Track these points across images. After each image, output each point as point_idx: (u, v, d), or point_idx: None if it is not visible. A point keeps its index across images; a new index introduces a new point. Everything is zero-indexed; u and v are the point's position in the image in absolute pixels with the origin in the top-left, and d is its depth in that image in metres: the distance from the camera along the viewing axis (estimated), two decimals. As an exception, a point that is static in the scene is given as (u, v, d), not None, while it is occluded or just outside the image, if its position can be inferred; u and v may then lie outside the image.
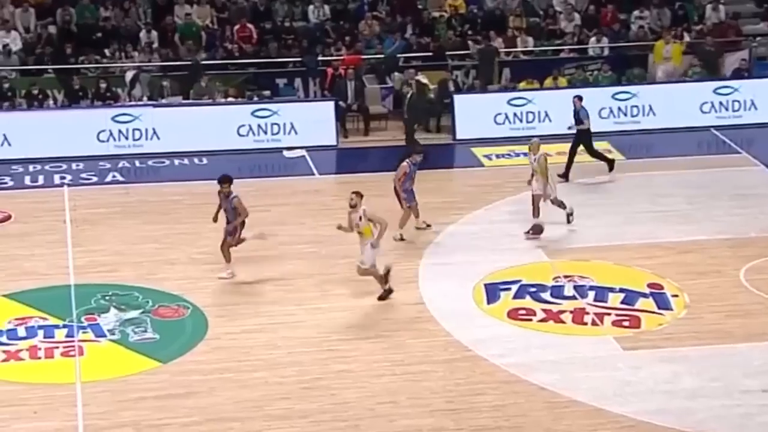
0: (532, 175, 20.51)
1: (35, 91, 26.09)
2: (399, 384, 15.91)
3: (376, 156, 25.22)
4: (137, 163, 24.73)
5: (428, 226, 20.74)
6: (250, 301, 18.37)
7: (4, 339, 16.99)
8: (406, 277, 19.04)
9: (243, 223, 18.81)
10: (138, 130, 25.19)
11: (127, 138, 25.19)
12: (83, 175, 23.96)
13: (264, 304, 18.26)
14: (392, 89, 27.56)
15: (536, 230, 20.39)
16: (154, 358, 16.59)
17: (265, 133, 25.67)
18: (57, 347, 16.86)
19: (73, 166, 24.30)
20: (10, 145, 24.69)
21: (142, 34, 28.01)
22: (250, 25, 28.52)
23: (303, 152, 25.09)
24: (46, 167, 24.25)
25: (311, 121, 25.69)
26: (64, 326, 17.39)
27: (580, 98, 23.63)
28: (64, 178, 23.78)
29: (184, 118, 25.44)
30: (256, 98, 26.80)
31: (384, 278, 18.19)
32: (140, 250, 19.99)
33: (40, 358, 16.63)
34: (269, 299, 18.44)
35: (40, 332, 17.24)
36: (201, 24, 28.64)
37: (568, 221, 20.86)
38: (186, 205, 22.22)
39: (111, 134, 25.10)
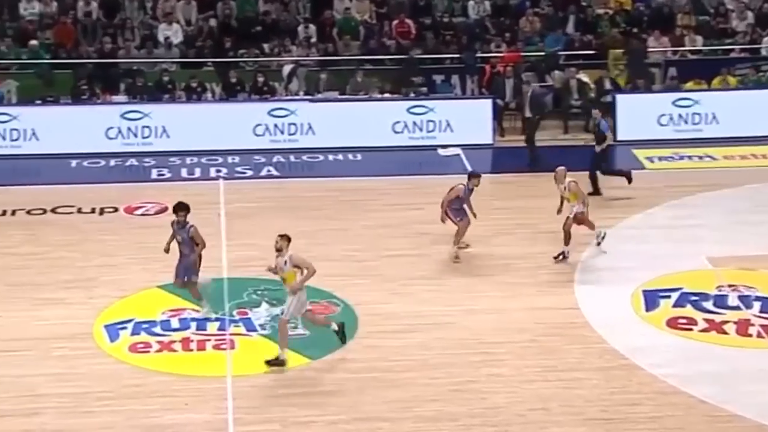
0: (562, 203, 19.71)
1: (194, 84, 26.66)
2: (551, 390, 15.74)
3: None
4: (292, 158, 25.05)
5: (467, 246, 19.92)
6: (401, 301, 18.40)
7: (158, 330, 17.39)
8: (560, 281, 18.84)
9: (201, 255, 17.41)
10: (294, 124, 25.52)
11: (282, 132, 25.54)
12: (238, 169, 24.39)
13: (416, 304, 18.27)
14: (552, 88, 27.33)
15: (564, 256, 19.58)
16: (304, 355, 16.75)
17: (420, 130, 25.72)
18: (209, 340, 17.17)
19: (229, 159, 24.74)
20: (168, 137, 25.28)
21: (301, 28, 28.37)
22: (408, 21, 28.61)
23: (458, 150, 25.06)
24: (203, 160, 24.76)
25: (467, 119, 25.64)
26: (217, 319, 17.70)
27: (600, 109, 23.24)
28: (219, 171, 24.24)
29: (340, 114, 25.68)
30: (412, 95, 26.87)
31: (338, 333, 16.69)
32: (292, 245, 20.19)
33: (192, 350, 16.96)
34: (421, 299, 18.45)
35: (193, 324, 17.58)
36: (359, 18, 28.86)
37: (598, 243, 19.89)
38: (339, 201, 22.41)
39: (267, 128, 25.49)
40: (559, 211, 19.79)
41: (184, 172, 24.25)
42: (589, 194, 21.22)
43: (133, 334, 17.24)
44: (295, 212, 21.85)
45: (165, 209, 21.99)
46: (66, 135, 24.76)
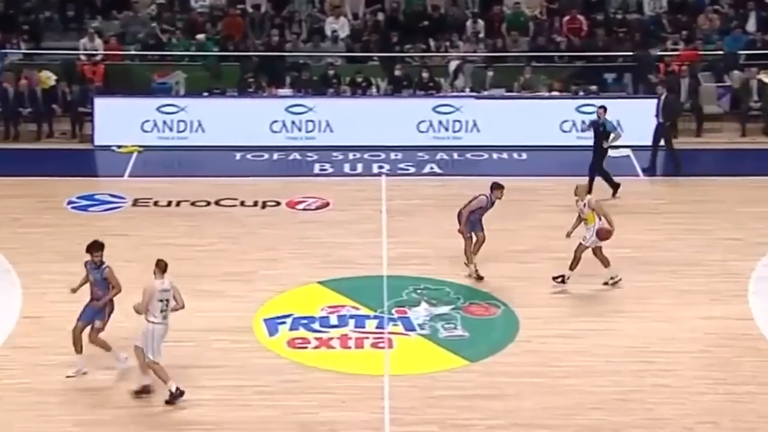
0: (578, 220, 18.53)
1: (359, 79, 26.86)
2: (721, 404, 15.37)
3: (707, 158, 24.49)
4: (455, 156, 25.03)
5: (470, 266, 19.03)
6: (564, 305, 18.22)
7: (316, 326, 17.57)
8: (734, 290, 18.40)
9: (112, 301, 16.17)
10: (458, 121, 25.49)
11: (447, 129, 25.55)
12: (401, 165, 24.48)
13: (579, 309, 18.07)
14: (730, 88, 26.69)
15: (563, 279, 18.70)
16: (463, 356, 16.72)
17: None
18: (367, 338, 17.27)
19: (392, 155, 24.86)
20: (332, 131, 25.54)
21: (469, 23, 28.32)
22: (580, 17, 28.31)
23: (628, 151, 24.67)
24: (365, 155, 24.93)
25: (638, 119, 25.19)
26: (375, 317, 17.79)
27: (604, 109, 22.49)
28: (382, 167, 24.37)
29: (506, 111, 25.55)
30: (581, 93, 26.57)
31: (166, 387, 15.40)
32: (454, 244, 20.15)
33: (350, 347, 17.08)
34: (585, 304, 18.23)
35: (352, 322, 17.71)
36: (529, 14, 28.67)
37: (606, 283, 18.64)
38: (503, 201, 22.19)
39: (431, 125, 25.51)
40: (569, 234, 18.66)
41: (346, 168, 24.46)
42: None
43: (291, 329, 17.46)
44: (455, 212, 21.80)
45: (326, 204, 22.23)
46: (231, 127, 25.22)
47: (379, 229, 20.80)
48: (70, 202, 22.01)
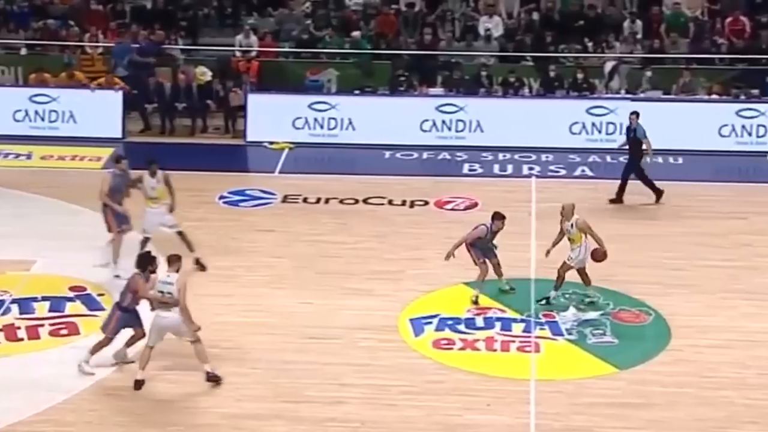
0: (555, 243, 17.97)
1: (512, 79, 26.70)
2: None
3: None
4: (608, 158, 24.68)
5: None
6: (718, 314, 17.81)
7: (462, 327, 17.50)
8: None
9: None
10: (612, 123, 25.14)
11: (600, 131, 25.23)
12: (552, 167, 24.25)
13: (734, 319, 17.65)
14: None
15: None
16: (611, 363, 16.47)
17: (750, 134, 24.83)
18: (513, 341, 17.14)
19: (543, 157, 24.65)
20: (482, 131, 25.44)
21: (626, 23, 27.91)
22: (743, 18, 27.65)
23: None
24: (516, 156, 24.77)
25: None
26: (522, 321, 17.65)
27: (636, 114, 21.76)
28: (532, 168, 24.19)
29: (662, 114, 25.03)
30: (742, 96, 25.95)
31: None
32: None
33: (495, 350, 16.98)
34: (740, 314, 17.80)
35: (498, 324, 17.60)
36: (690, 15, 28.12)
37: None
38: (656, 206, 21.93)
39: (584, 126, 25.23)
40: (548, 252, 18.10)
41: (496, 168, 24.34)
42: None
43: (437, 329, 17.43)
44: (609, 214, 21.51)
45: (475, 205, 22.15)
46: (381, 126, 25.31)
47: (527, 231, 20.62)
48: (221, 197, 22.36)
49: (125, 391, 15.66)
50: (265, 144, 25.36)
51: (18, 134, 25.24)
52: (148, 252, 16.53)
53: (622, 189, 22.07)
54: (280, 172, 23.98)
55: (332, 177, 23.53)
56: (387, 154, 24.96)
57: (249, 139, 25.66)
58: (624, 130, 22.85)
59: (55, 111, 25.63)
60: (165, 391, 15.72)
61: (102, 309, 17.69)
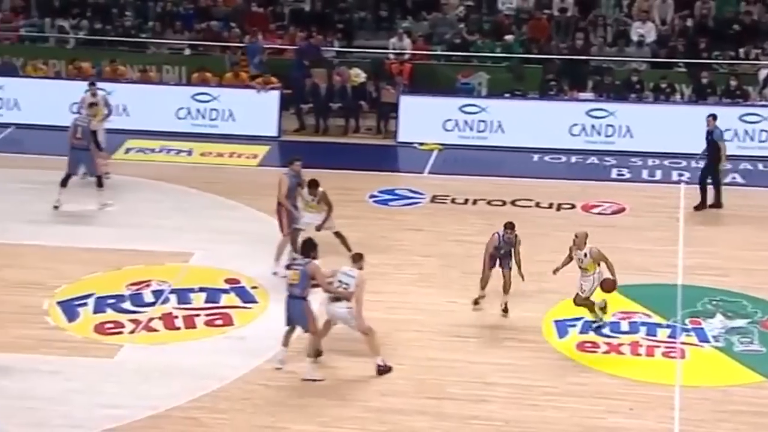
0: (568, 259, 17.20)
1: (663, 85, 26.32)
2: None
3: None
4: (760, 166, 24.16)
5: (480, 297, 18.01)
6: None
7: (607, 331, 17.33)
8: None
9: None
10: (765, 131, 24.59)
11: (752, 139, 24.71)
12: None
13: None
14: None
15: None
16: (759, 372, 16.13)
17: None
18: (658, 346, 16.91)
19: (693, 163, 24.20)
20: (632, 137, 25.15)
21: (783, 29, 27.30)
22: None
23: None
24: (665, 162, 24.40)
25: None
26: (668, 326, 17.40)
27: (713, 117, 21.07)
28: (682, 174, 23.79)
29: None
30: None
31: None
32: (753, 257, 19.51)
33: (640, 354, 16.78)
34: None
35: (643, 329, 17.39)
36: None
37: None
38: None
39: (736, 133, 24.71)
40: (556, 271, 17.37)
41: (644, 174, 24.02)
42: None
43: (581, 332, 17.30)
44: (761, 223, 21.06)
45: (622, 209, 21.90)
46: (531, 129, 25.21)
47: (675, 237, 20.31)
48: (371, 196, 22.53)
49: (277, 381, 15.90)
50: (416, 145, 25.46)
51: (180, 131, 25.83)
52: (311, 238, 16.76)
53: (704, 194, 21.60)
54: (430, 173, 24.05)
55: (480, 179, 23.50)
56: (535, 157, 24.83)
57: (400, 139, 25.80)
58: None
59: (215, 109, 26.17)
60: (313, 383, 15.91)
61: (255, 302, 18.02)
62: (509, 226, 17.93)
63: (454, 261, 19.63)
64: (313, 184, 19.15)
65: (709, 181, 21.72)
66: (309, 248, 16.18)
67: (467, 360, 16.51)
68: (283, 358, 16.30)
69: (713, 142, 21.56)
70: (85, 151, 21.15)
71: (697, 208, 21.69)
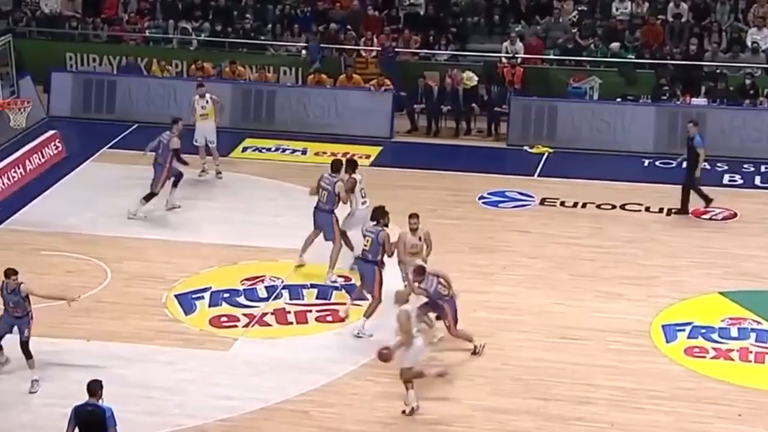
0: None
1: (779, 89, 25.79)
2: None
3: None
4: None
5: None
6: None
7: (716, 336, 17.04)
8: None
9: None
10: None
11: None
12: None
13: None
14: None
15: None
16: None
17: None
18: (770, 353, 16.61)
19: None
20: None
21: None
22: None
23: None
24: (778, 169, 23.98)
25: None
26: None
27: (695, 123, 21.34)
28: (795, 181, 23.35)
29: None
30: None
31: None
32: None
33: (750, 361, 16.46)
34: None
35: (753, 335, 17.06)
36: None
37: None
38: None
39: None
40: None
41: (757, 180, 23.52)
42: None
43: (690, 337, 17.06)
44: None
45: (734, 215, 21.50)
46: (643, 133, 24.85)
47: (785, 243, 19.91)
48: (481, 197, 22.44)
49: (386, 378, 15.93)
50: (526, 148, 25.31)
51: (295, 131, 26.02)
52: (382, 206, 17.38)
53: (702, 197, 21.52)
54: (539, 176, 23.88)
55: (590, 182, 23.25)
56: (646, 161, 24.49)
57: (510, 142, 25.67)
58: None
59: (330, 110, 26.30)
60: (421, 379, 15.92)
61: (364, 299, 18.07)
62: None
63: (562, 263, 19.48)
64: (351, 165, 19.37)
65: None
66: (380, 215, 17.20)
67: (573, 361, 16.37)
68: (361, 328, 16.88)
69: (692, 148, 21.34)
70: (160, 166, 21.20)
71: (678, 211, 21.56)
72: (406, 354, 15.13)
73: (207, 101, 23.13)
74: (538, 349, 16.74)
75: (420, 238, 17.47)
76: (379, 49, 27.74)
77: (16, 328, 15.79)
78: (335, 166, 19.32)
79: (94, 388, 13.05)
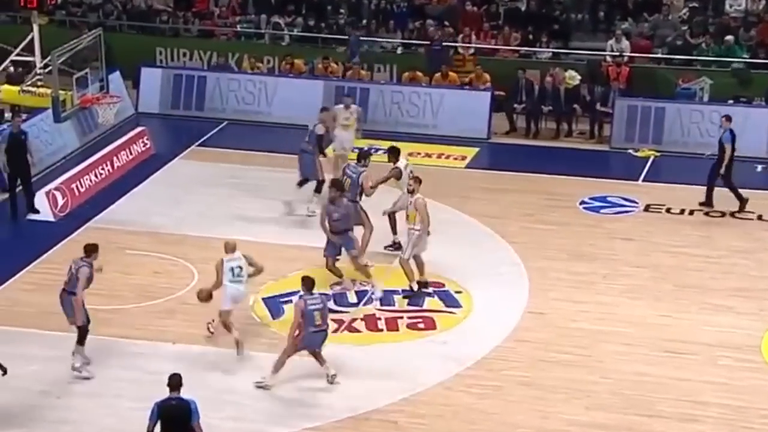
0: None
1: None
2: None
3: None
4: None
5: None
6: None
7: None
8: None
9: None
10: None
11: None
12: None
13: None
14: None
15: None
16: None
17: None
18: None
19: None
20: None
21: None
22: None
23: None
24: None
25: None
26: None
27: (727, 118, 21.55)
28: None
29: None
30: None
31: None
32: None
33: None
34: None
35: None
36: None
37: None
38: None
39: None
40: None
41: None
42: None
43: (803, 354, 16.70)
44: None
45: None
46: (755, 138, 24.39)
47: None
48: (582, 202, 22.21)
49: (478, 389, 15.84)
50: (630, 151, 25.01)
51: (388, 130, 25.98)
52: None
53: (736, 195, 21.62)
54: (644, 180, 23.56)
55: (699, 188, 22.83)
56: (759, 167, 24.04)
57: (614, 145, 25.38)
58: None
59: (425, 108, 26.24)
60: (514, 391, 15.78)
61: (458, 306, 17.98)
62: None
63: (667, 273, 19.20)
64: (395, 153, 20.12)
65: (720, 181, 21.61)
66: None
67: (678, 377, 16.12)
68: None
69: (720, 143, 21.41)
70: (309, 155, 21.39)
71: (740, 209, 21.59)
72: (223, 297, 16.47)
73: (351, 113, 22.97)
74: (640, 363, 16.50)
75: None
76: (428, 42, 27.58)
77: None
78: (362, 155, 19.97)
79: (177, 381, 13.16)
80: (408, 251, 18.35)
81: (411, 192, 18.53)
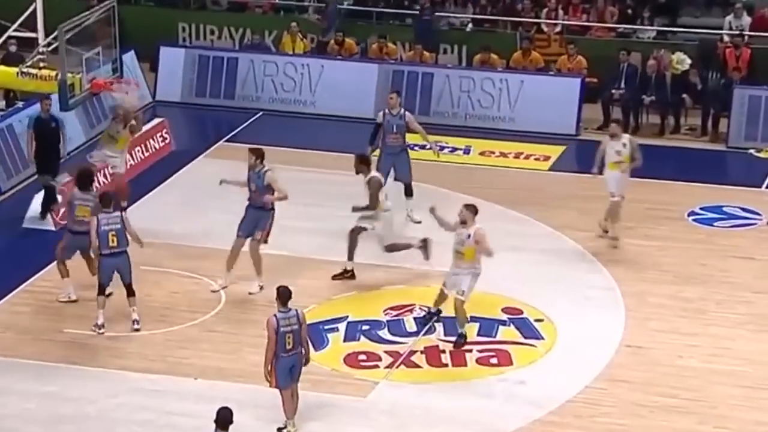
0: None
1: None
2: None
3: None
4: None
5: None
6: None
7: None
8: None
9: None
10: None
11: None
12: None
13: None
14: None
15: None
16: None
17: None
18: None
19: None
20: None
21: None
22: None
23: None
24: None
25: None
26: None
27: None
28: None
29: None
30: None
31: None
32: None
33: None
34: None
35: None
36: None
37: None
38: None
39: None
40: None
41: None
42: None
43: None
44: None
45: None
46: None
47: None
48: (691, 213, 22.13)
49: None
50: (752, 151, 24.87)
51: (456, 125, 25.96)
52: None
53: None
54: (768, 187, 23.49)
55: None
56: None
57: (731, 144, 25.27)
58: None
59: (500, 98, 26.17)
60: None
61: (539, 338, 17.89)
62: None
63: (797, 300, 19.08)
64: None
65: None
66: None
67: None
68: None
69: None
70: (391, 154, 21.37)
71: None
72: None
73: (624, 144, 20.75)
74: (763, 410, 16.39)
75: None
76: (417, 12, 27.81)
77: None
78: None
79: (226, 418, 13.36)
80: (467, 294, 17.85)
81: (464, 223, 17.86)
